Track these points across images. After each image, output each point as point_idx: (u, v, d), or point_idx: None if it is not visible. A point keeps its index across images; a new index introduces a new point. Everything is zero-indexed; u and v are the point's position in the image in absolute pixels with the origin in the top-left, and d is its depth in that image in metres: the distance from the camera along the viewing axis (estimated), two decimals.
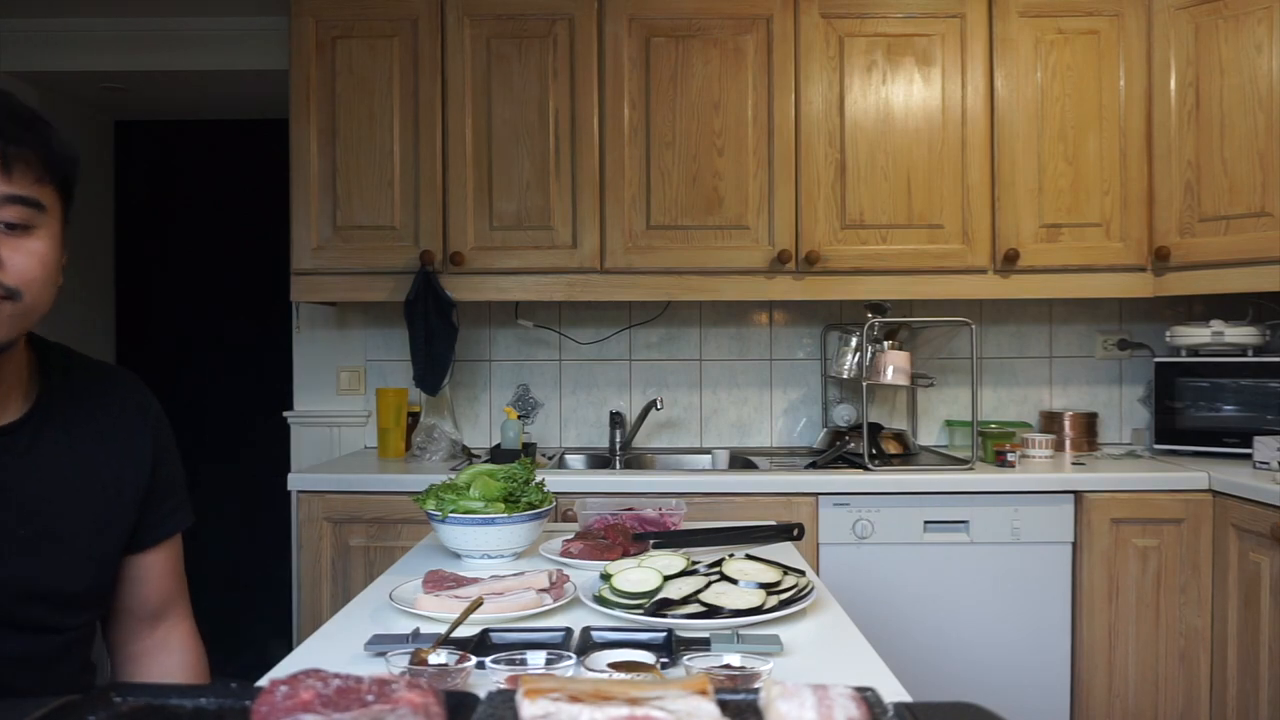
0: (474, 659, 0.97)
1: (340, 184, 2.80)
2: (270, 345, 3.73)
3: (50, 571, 1.15)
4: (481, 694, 0.75)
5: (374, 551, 2.50)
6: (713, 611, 1.22)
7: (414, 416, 3.02)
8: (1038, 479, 2.53)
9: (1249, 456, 2.57)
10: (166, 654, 1.34)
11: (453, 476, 1.68)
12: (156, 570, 1.32)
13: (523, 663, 0.98)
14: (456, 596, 1.28)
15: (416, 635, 1.14)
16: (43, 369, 1.21)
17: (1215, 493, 2.47)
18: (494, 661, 0.98)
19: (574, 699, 0.65)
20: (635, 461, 3.03)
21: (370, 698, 0.67)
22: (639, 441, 3.14)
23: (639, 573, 1.32)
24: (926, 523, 2.51)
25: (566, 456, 3.04)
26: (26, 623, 1.14)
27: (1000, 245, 2.78)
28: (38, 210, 1.06)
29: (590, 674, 0.98)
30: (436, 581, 1.35)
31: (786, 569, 1.34)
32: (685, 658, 1.00)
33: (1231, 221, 2.64)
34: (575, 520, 1.90)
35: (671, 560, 1.37)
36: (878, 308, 2.80)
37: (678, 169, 2.79)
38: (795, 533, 1.68)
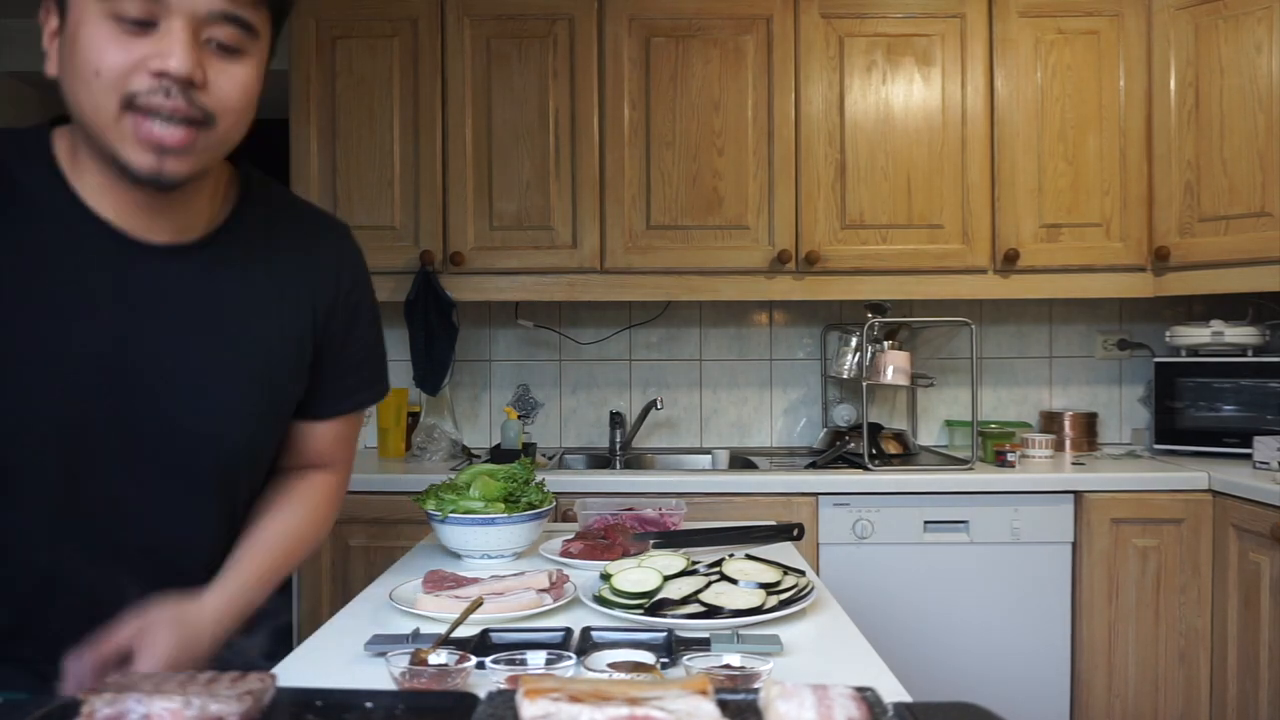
0: (474, 659, 0.97)
1: (340, 184, 2.80)
2: None
3: (196, 411, 1.07)
4: (481, 694, 0.75)
5: (374, 551, 2.50)
6: (713, 611, 1.23)
7: (414, 416, 3.02)
8: (1038, 479, 2.53)
9: (1249, 456, 2.57)
10: (308, 495, 1.24)
11: (453, 476, 1.68)
12: (329, 437, 1.24)
13: (523, 663, 0.98)
14: (456, 596, 1.28)
15: (416, 635, 1.14)
16: (243, 195, 1.12)
17: (1215, 493, 2.47)
18: (494, 661, 0.98)
19: (574, 699, 0.65)
20: (635, 461, 3.03)
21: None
22: (639, 441, 3.14)
23: (639, 573, 1.32)
24: (926, 523, 2.51)
25: (566, 456, 3.04)
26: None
27: (1000, 245, 2.78)
28: (250, 35, 0.98)
29: (590, 674, 0.98)
30: (436, 581, 1.35)
31: (786, 569, 1.34)
32: (685, 658, 1.01)
33: (1231, 221, 2.64)
34: (575, 520, 1.90)
35: (671, 560, 1.37)
36: (878, 308, 2.80)
37: (678, 169, 2.79)
38: (795, 533, 1.68)
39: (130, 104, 0.92)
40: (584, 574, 1.44)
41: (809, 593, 1.29)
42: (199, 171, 1.00)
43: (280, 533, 1.19)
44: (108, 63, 0.91)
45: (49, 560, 1.04)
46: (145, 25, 0.92)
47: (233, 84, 0.97)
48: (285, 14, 1.04)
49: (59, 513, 1.03)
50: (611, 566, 1.36)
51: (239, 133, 1.02)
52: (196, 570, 1.11)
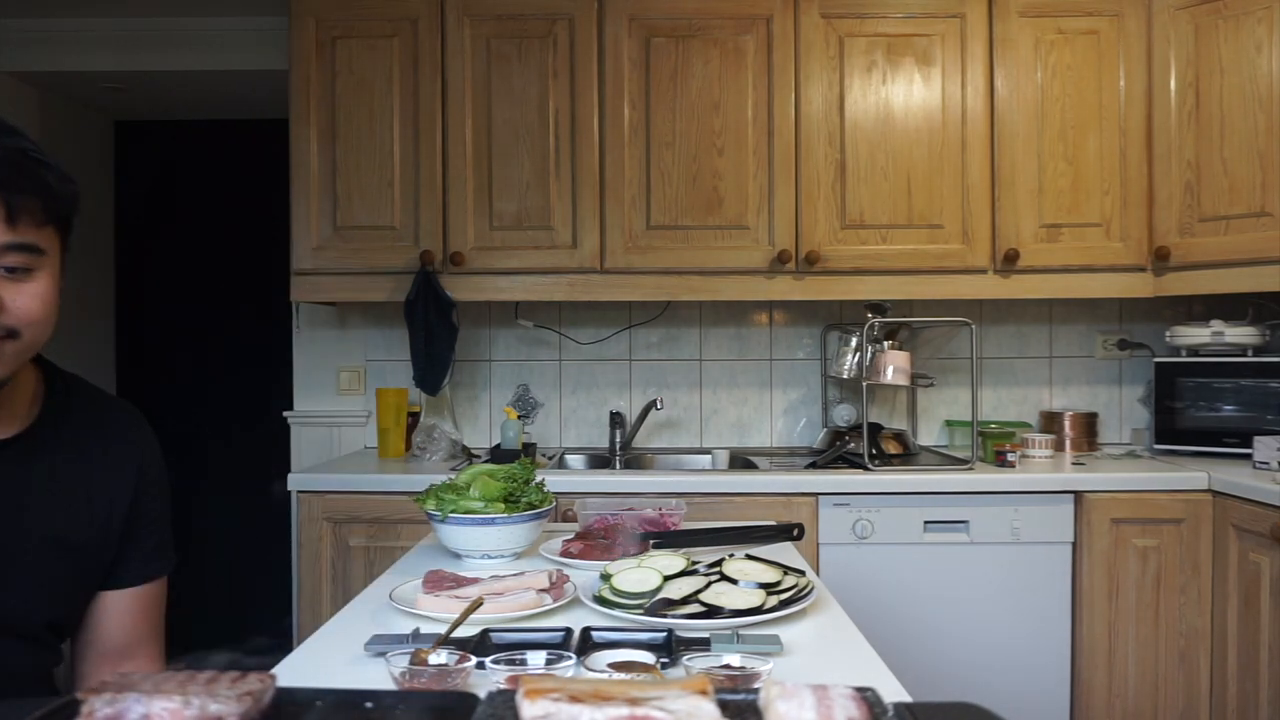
0: (474, 659, 0.97)
1: (340, 184, 2.80)
2: (270, 345, 3.73)
3: (13, 598, 1.16)
4: (481, 694, 0.75)
5: (374, 551, 2.50)
6: (713, 611, 1.22)
7: (414, 416, 3.02)
8: (1038, 479, 2.53)
9: (1249, 456, 2.57)
10: None
11: (453, 476, 1.68)
12: (125, 608, 1.30)
13: (523, 663, 0.98)
14: (456, 596, 1.28)
15: (416, 635, 1.14)
16: (48, 392, 1.23)
17: (1215, 493, 2.47)
18: (494, 661, 0.97)
19: (574, 699, 0.65)
20: (635, 461, 3.03)
21: None
22: (639, 441, 3.14)
23: (639, 573, 1.32)
24: (926, 523, 2.51)
25: (566, 456, 3.04)
26: None
27: (1000, 245, 2.78)
28: (38, 254, 1.09)
29: (590, 674, 0.98)
30: (436, 582, 1.35)
31: (786, 569, 1.34)
32: (685, 658, 1.00)
33: (1231, 221, 2.64)
34: (575, 520, 1.90)
35: (671, 560, 1.37)
36: (878, 308, 2.80)
37: (678, 169, 2.79)
38: (795, 533, 1.68)
39: None
40: (584, 574, 1.44)
41: (809, 593, 1.29)
42: (7, 376, 1.10)
43: None
44: None
45: None
46: None
47: (30, 300, 1.08)
48: (72, 219, 1.14)
49: None
50: (611, 566, 1.36)
51: (44, 335, 1.12)
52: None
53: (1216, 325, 2.79)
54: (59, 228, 1.13)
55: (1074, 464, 2.71)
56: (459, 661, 0.96)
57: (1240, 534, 2.38)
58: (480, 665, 0.98)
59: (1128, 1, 2.78)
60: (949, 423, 3.17)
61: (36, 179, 1.08)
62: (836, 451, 2.74)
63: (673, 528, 1.75)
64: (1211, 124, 2.67)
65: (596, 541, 1.61)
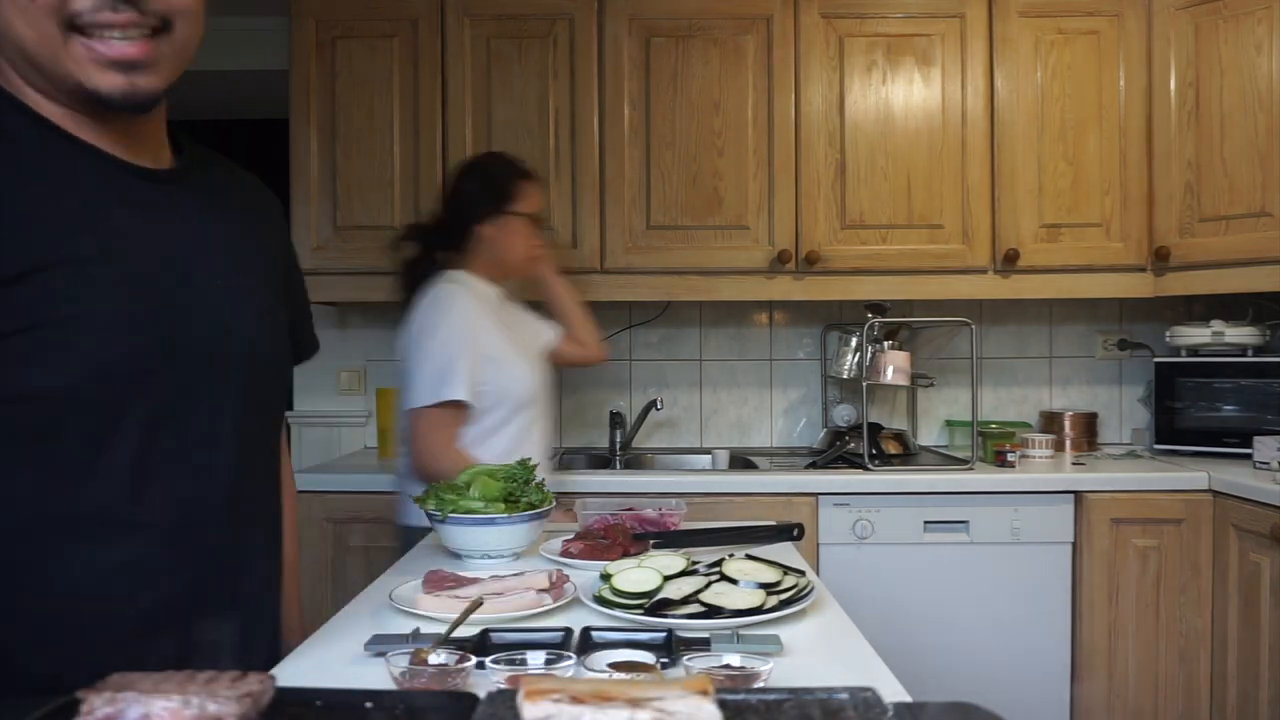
0: (474, 659, 0.97)
1: (340, 184, 2.80)
2: None
3: (242, 324, 1.06)
4: (481, 694, 0.75)
5: (374, 551, 2.50)
6: (713, 611, 1.22)
7: None
8: (1038, 479, 2.53)
9: (1249, 456, 2.57)
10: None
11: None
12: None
13: (523, 663, 0.97)
14: (456, 596, 1.28)
15: (416, 635, 1.14)
16: (174, 138, 1.08)
17: (1215, 493, 2.47)
18: (494, 662, 0.97)
19: (575, 700, 0.65)
20: (635, 461, 3.03)
21: None
22: (639, 441, 3.14)
23: (639, 573, 1.31)
24: (926, 523, 2.51)
25: (566, 456, 3.04)
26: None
27: (1000, 245, 2.78)
28: None
29: (590, 674, 0.98)
30: (436, 582, 1.35)
31: (786, 569, 1.34)
32: (685, 658, 1.00)
33: (1231, 221, 2.64)
34: (575, 520, 1.90)
35: (671, 560, 1.37)
36: (878, 308, 2.80)
37: (678, 169, 2.79)
38: (795, 533, 1.68)
39: (73, 25, 0.86)
40: (584, 574, 1.44)
41: (809, 593, 1.29)
42: (168, 84, 0.95)
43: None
44: None
45: (131, 540, 0.96)
46: None
47: None
48: None
49: (139, 475, 0.94)
50: (611, 566, 1.36)
51: (197, 36, 0.96)
52: (260, 525, 1.11)
53: (1216, 325, 2.79)
54: None
55: (1074, 464, 2.71)
56: (459, 661, 0.96)
57: (1240, 534, 2.38)
58: (480, 665, 0.98)
59: (1128, 1, 2.78)
60: (949, 423, 3.17)
61: None
62: (836, 451, 2.74)
63: (673, 528, 1.75)
64: (1211, 124, 2.67)
65: (596, 541, 1.61)
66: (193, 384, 0.99)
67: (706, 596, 1.25)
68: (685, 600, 1.25)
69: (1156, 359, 2.93)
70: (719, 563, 1.35)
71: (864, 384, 2.77)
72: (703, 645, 1.09)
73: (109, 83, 0.88)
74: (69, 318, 0.88)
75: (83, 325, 0.88)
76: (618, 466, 2.98)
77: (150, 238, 0.97)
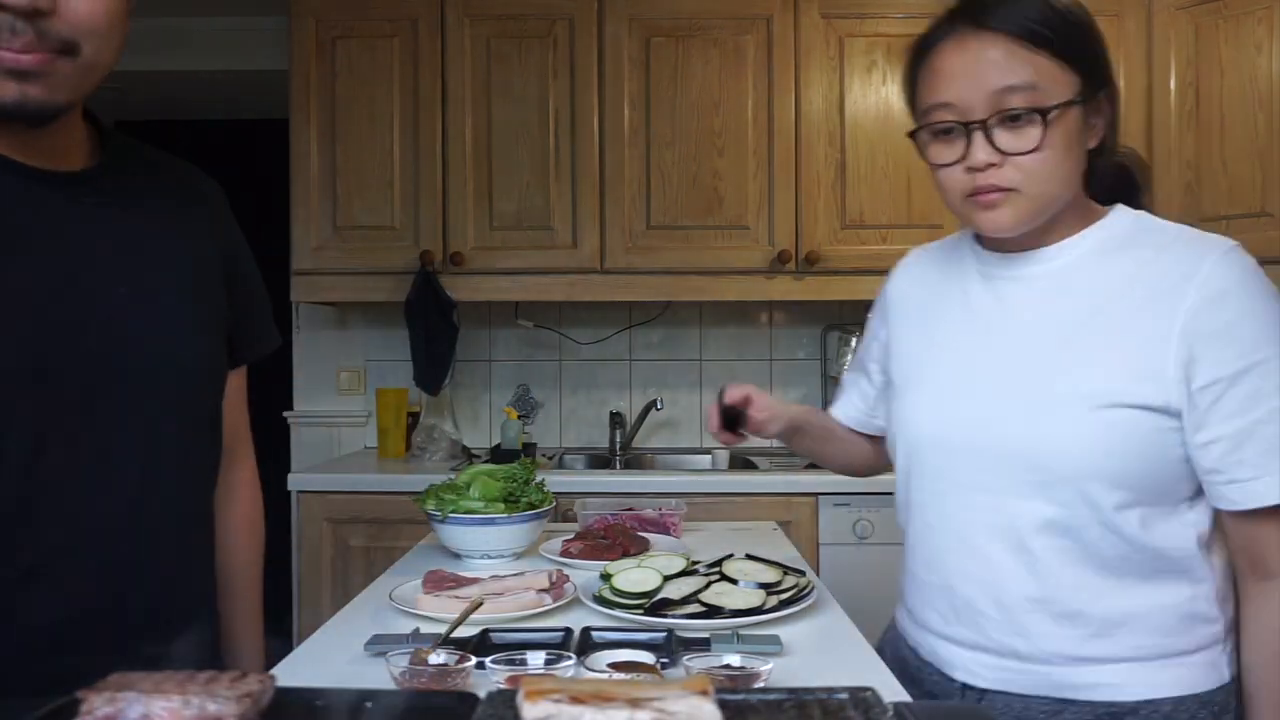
0: (474, 659, 0.97)
1: (340, 184, 2.80)
2: None
3: (166, 338, 1.02)
4: (481, 694, 0.75)
5: (374, 551, 2.50)
6: (713, 611, 1.22)
7: (414, 417, 3.02)
8: None
9: None
10: (231, 505, 1.23)
11: (453, 476, 1.68)
12: (230, 399, 1.16)
13: (523, 663, 0.97)
14: (456, 596, 1.28)
15: (416, 635, 1.14)
16: (101, 137, 1.05)
17: None
18: (494, 661, 0.97)
19: (575, 700, 0.65)
20: (635, 461, 3.03)
21: None
22: (639, 441, 3.14)
23: (639, 573, 1.32)
24: None
25: (566, 456, 3.04)
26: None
27: None
28: None
29: (590, 674, 0.98)
30: (436, 582, 1.35)
31: (787, 569, 1.34)
32: (685, 658, 1.00)
33: (1232, 222, 2.64)
34: (575, 520, 1.90)
35: (671, 560, 1.37)
36: None
37: (678, 169, 2.79)
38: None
39: None
40: (584, 574, 1.44)
41: (809, 593, 1.29)
42: (71, 103, 0.92)
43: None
44: None
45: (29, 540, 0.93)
46: None
47: (88, 7, 0.87)
48: None
49: (29, 488, 0.92)
50: (611, 566, 1.36)
51: (110, 57, 0.92)
52: (172, 537, 1.05)
53: None
54: None
55: None
56: (459, 661, 0.96)
57: None
58: (480, 665, 0.98)
59: (1128, 1, 2.78)
60: None
61: None
62: None
63: (672, 527, 1.76)
64: (1211, 124, 2.67)
65: (596, 541, 1.61)
66: (84, 399, 0.95)
67: (706, 596, 1.25)
68: (685, 600, 1.25)
69: None
70: (719, 563, 1.35)
71: None
72: (703, 645, 1.09)
73: (1, 91, 0.86)
74: None
75: None
76: (618, 466, 2.98)
77: (42, 246, 0.93)
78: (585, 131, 2.79)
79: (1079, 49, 1.07)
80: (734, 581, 1.28)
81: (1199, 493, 1.06)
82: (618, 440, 3.04)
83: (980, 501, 1.10)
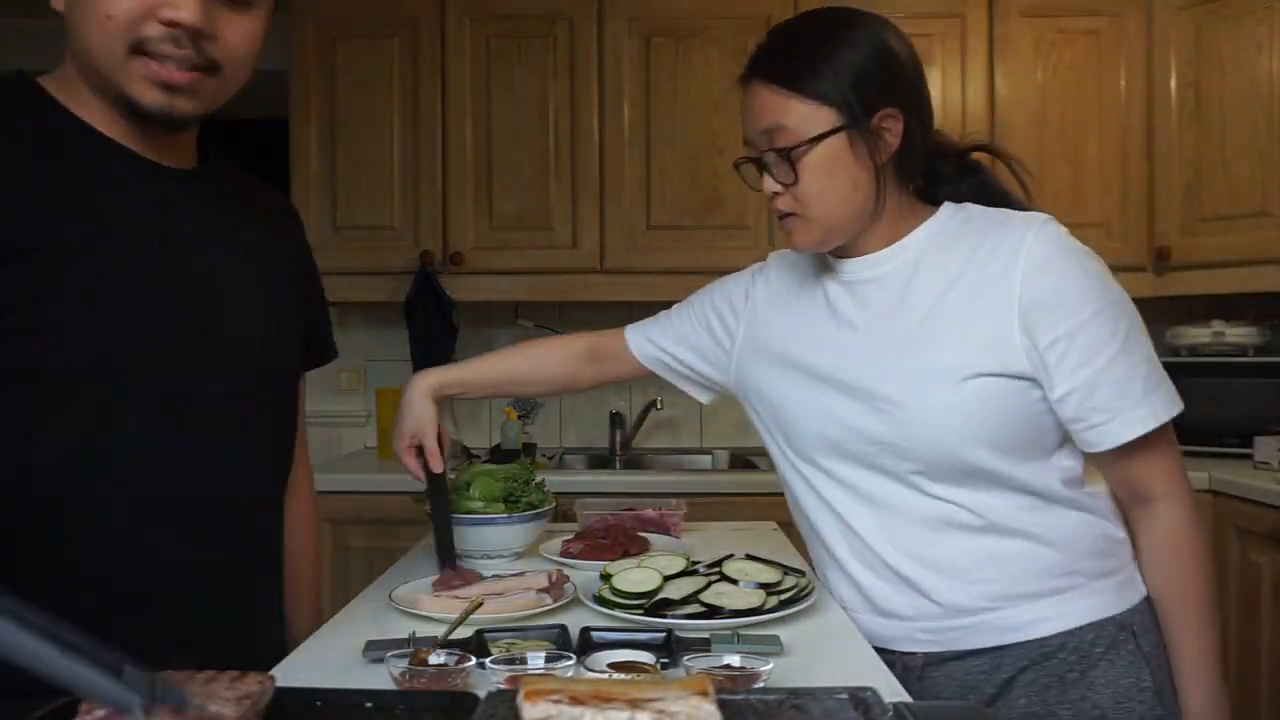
0: (474, 659, 0.97)
1: (340, 184, 2.80)
2: None
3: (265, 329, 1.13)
4: (481, 694, 0.75)
5: (374, 552, 2.50)
6: (713, 612, 1.22)
7: None
8: None
9: (1249, 456, 2.56)
10: (294, 500, 1.29)
11: (453, 477, 1.68)
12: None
13: (522, 663, 0.97)
14: (456, 597, 1.28)
15: (414, 639, 1.13)
16: (202, 145, 1.16)
17: (1215, 493, 2.47)
18: (494, 662, 0.97)
19: (575, 701, 0.65)
20: (635, 461, 3.03)
21: None
22: (639, 441, 3.13)
23: (639, 573, 1.31)
24: None
25: (566, 456, 3.04)
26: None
27: None
28: None
29: (590, 674, 0.97)
30: (444, 582, 1.36)
31: (787, 569, 1.34)
32: (685, 658, 1.00)
33: (1232, 221, 2.64)
34: (575, 520, 1.90)
35: (671, 560, 1.37)
36: None
37: (678, 169, 2.79)
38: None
39: (138, 48, 0.94)
40: (584, 574, 1.44)
41: (809, 593, 1.29)
42: (204, 113, 1.03)
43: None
44: (121, 8, 0.93)
45: (147, 524, 1.01)
46: None
47: (240, 36, 1.01)
48: None
49: (157, 463, 1.00)
50: (611, 566, 1.36)
51: (241, 81, 1.05)
52: (265, 518, 1.17)
53: (1217, 325, 2.79)
54: None
55: None
56: (459, 662, 0.96)
57: (1240, 534, 2.37)
58: (480, 665, 0.98)
59: (1128, 1, 2.78)
60: None
61: None
62: None
63: (672, 528, 1.75)
64: (1212, 124, 2.67)
65: (596, 541, 1.61)
66: (199, 376, 1.03)
67: (706, 597, 1.25)
68: (685, 600, 1.25)
69: None
70: (719, 563, 1.35)
71: None
72: (703, 645, 1.09)
73: (149, 98, 0.97)
74: (71, 296, 0.94)
75: (89, 306, 0.95)
76: (618, 466, 2.98)
77: (168, 230, 1.03)
78: (585, 131, 2.79)
79: (831, 85, 1.16)
80: (734, 582, 1.28)
81: (1065, 440, 1.20)
82: (618, 440, 3.04)
83: (882, 489, 1.20)
